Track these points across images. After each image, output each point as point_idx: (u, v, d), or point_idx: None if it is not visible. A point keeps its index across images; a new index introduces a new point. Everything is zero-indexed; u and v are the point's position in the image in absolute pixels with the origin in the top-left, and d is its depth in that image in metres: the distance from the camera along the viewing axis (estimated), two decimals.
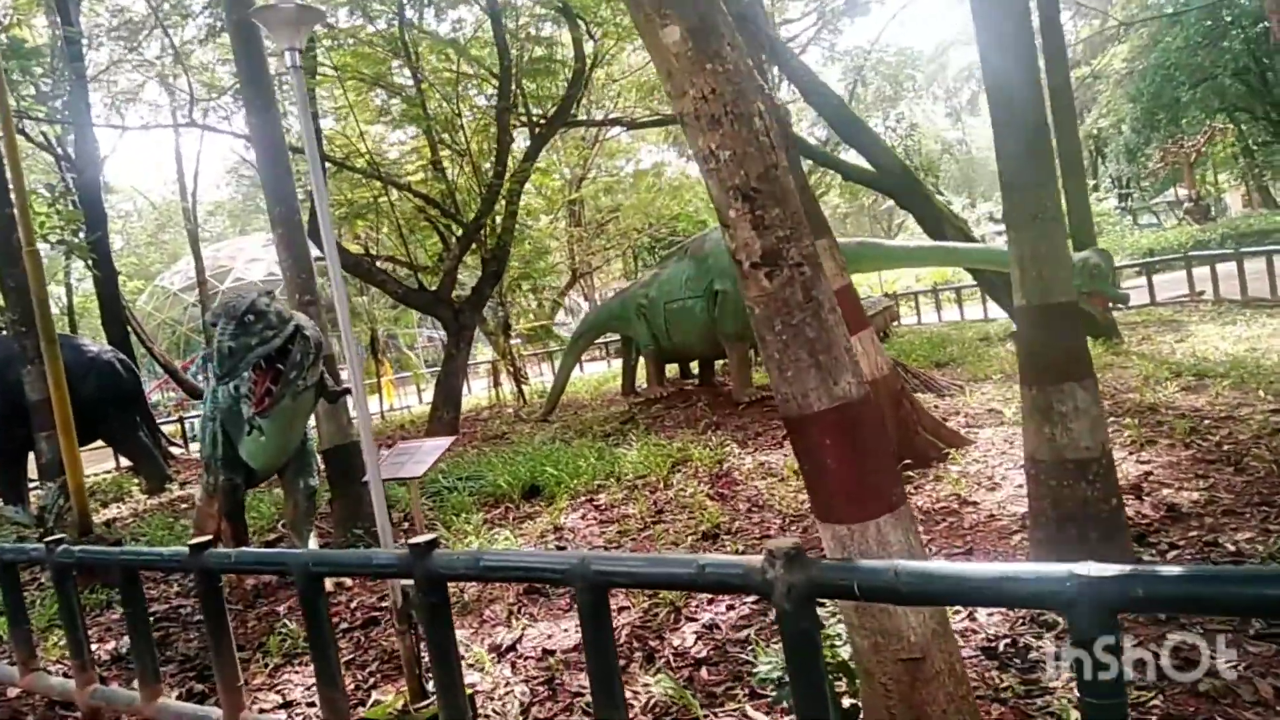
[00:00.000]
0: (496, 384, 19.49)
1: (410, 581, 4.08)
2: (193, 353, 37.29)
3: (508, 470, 9.10)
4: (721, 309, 10.52)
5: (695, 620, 4.67)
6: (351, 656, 5.09)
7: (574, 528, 7.10)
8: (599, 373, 21.35)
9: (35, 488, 14.92)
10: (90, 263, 15.06)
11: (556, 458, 9.33)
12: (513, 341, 19.67)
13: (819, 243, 7.11)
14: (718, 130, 2.87)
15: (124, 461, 16.57)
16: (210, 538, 4.01)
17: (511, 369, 18.39)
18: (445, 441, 5.55)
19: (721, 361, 12.62)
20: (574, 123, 16.61)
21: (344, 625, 5.62)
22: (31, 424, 11.37)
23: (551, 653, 4.59)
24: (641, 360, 16.17)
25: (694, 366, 14.16)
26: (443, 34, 15.74)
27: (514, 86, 13.12)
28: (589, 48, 14.65)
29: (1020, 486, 6.22)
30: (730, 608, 4.72)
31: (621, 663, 4.31)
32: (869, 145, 14.27)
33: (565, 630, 4.86)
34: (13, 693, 5.42)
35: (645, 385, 16.26)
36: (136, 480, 14.13)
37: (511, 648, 4.74)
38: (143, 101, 18.32)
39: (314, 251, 8.78)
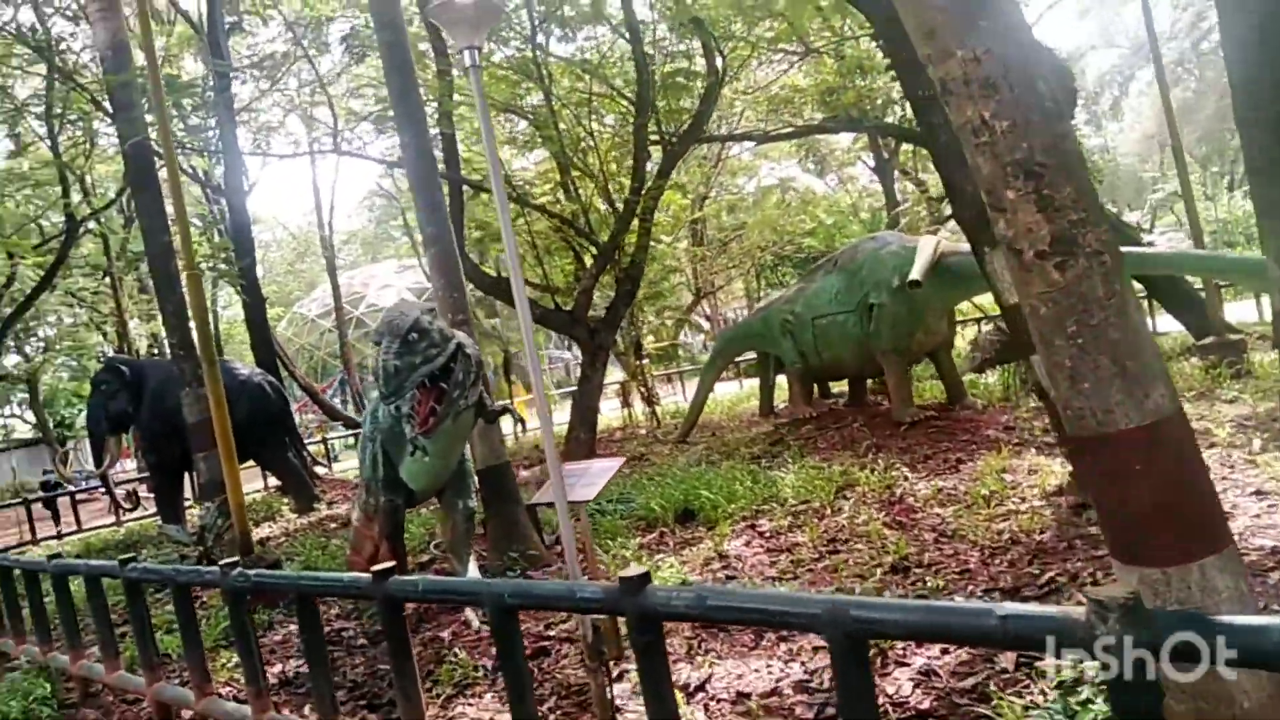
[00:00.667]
0: (627, 404, 19.28)
1: (601, 616, 3.80)
2: (330, 376, 38.70)
3: (659, 493, 8.75)
4: (877, 323, 9.96)
5: (905, 665, 4.19)
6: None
7: (739, 555, 6.67)
8: (730, 393, 20.85)
9: (189, 507, 15.50)
10: (240, 288, 15.56)
11: (707, 480, 8.93)
12: (642, 361, 19.43)
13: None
14: (993, 97, 2.43)
15: (272, 482, 17.07)
16: (393, 564, 3.78)
17: (643, 389, 18.14)
18: (614, 463, 5.23)
19: (871, 380, 12.04)
20: (706, 138, 16.31)
21: None
22: (190, 445, 11.76)
23: (747, 695, 4.18)
24: (780, 379, 15.73)
25: (833, 385, 13.58)
26: (571, 54, 15.73)
27: (649, 103, 12.88)
28: (718, 63, 14.37)
29: (1257, 516, 5.51)
30: (945, 651, 4.21)
31: (832, 711, 3.87)
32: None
33: (756, 670, 4.44)
34: (185, 713, 5.37)
35: (784, 405, 15.77)
36: (285, 500, 14.44)
37: (700, 688, 4.35)
38: (284, 132, 18.95)
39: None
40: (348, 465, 19.89)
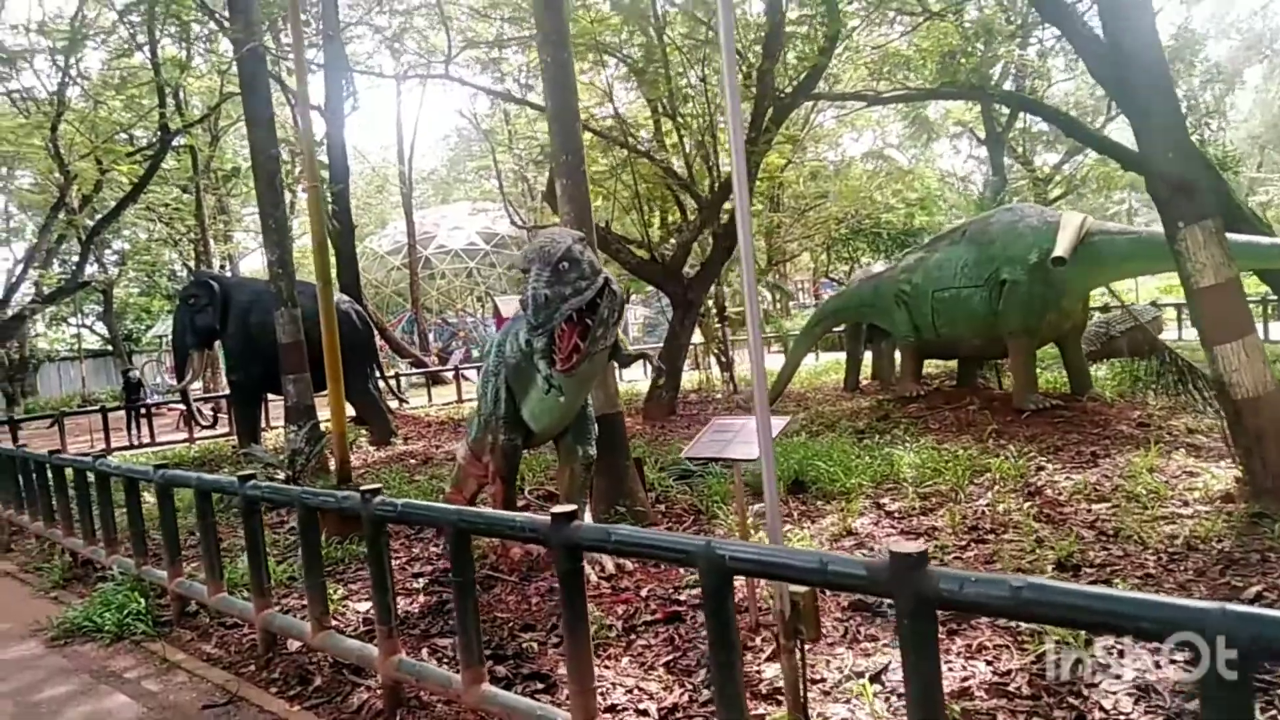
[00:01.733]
0: (705, 366, 18.86)
1: (798, 589, 3.38)
2: (397, 314, 38.75)
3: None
4: (1008, 300, 9.34)
5: (1115, 674, 3.72)
6: (671, 657, 4.42)
7: (869, 534, 6.23)
8: (807, 365, 20.25)
9: (269, 429, 15.42)
10: (332, 213, 15.33)
11: (815, 452, 8.48)
12: (724, 324, 18.94)
13: (1204, 225, 5.93)
14: None
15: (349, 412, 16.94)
16: (573, 508, 3.38)
17: (722, 353, 17.67)
18: (780, 422, 4.78)
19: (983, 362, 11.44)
20: (819, 95, 15.60)
21: (645, 618, 4.98)
22: (276, 366, 11.59)
23: None
24: (868, 356, 15.14)
25: (926, 366, 12.98)
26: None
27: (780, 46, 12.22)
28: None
29: None
30: (1157, 664, 3.74)
31: None
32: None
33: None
34: (293, 645, 5.10)
35: (868, 381, 15.18)
36: (363, 431, 14.28)
37: (876, 678, 3.93)
38: (390, 52, 18.44)
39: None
40: (416, 403, 19.78)
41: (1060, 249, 8.65)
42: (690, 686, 4.07)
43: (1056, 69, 19.52)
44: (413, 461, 11.85)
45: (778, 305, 34.26)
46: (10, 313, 21.83)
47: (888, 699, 3.74)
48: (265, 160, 10.82)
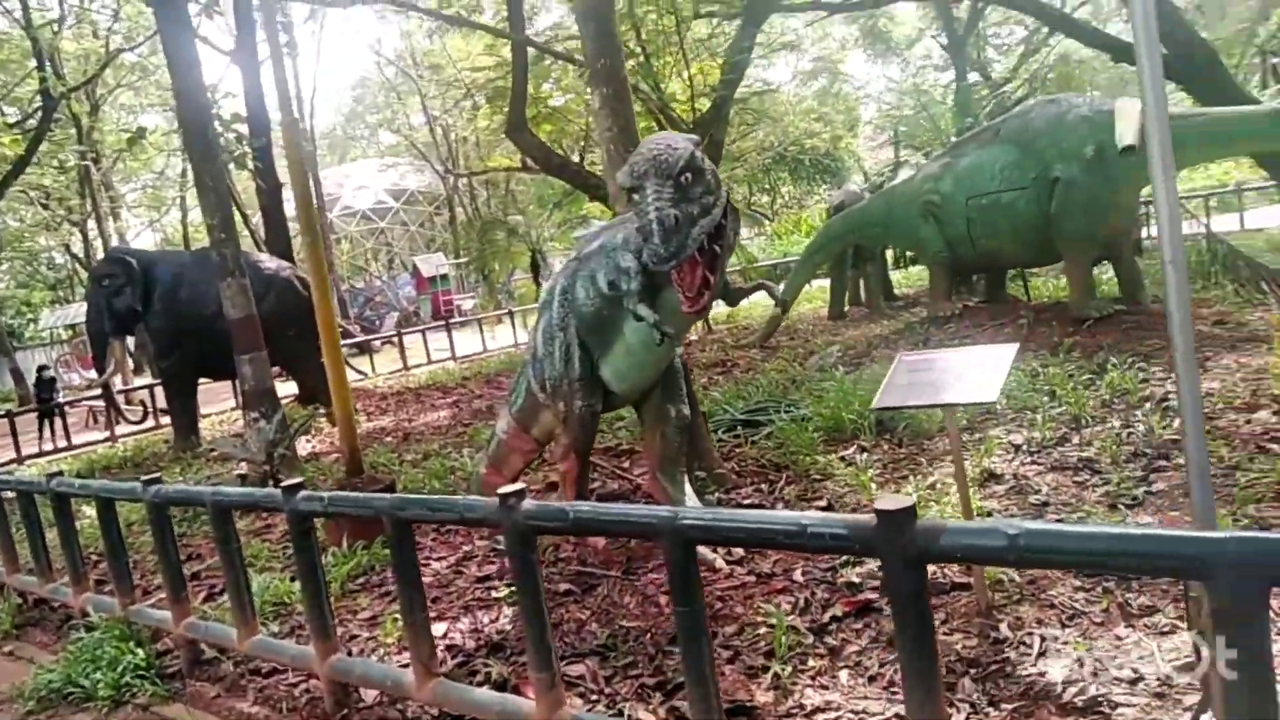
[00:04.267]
0: None
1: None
2: None
3: (821, 401, 7.31)
4: (1064, 201, 8.43)
5: None
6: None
7: (1020, 475, 5.28)
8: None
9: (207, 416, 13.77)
10: (255, 171, 13.59)
11: (875, 384, 7.46)
12: None
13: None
14: None
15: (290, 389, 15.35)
16: (520, 487, 2.76)
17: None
18: (1005, 352, 3.72)
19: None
20: (786, 8, 14.42)
21: (831, 613, 3.91)
22: (219, 346, 10.15)
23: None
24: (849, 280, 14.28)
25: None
26: None
27: None
28: None
29: None
30: None
31: None
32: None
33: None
34: (370, 695, 3.90)
35: (853, 308, 14.36)
36: (320, 410, 12.78)
37: None
38: None
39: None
40: (354, 377, 18.18)
41: (1128, 136, 7.76)
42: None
43: None
44: (390, 440, 10.50)
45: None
46: None
47: None
48: (195, 110, 9.20)
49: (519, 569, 2.99)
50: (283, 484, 3.81)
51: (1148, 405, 6.06)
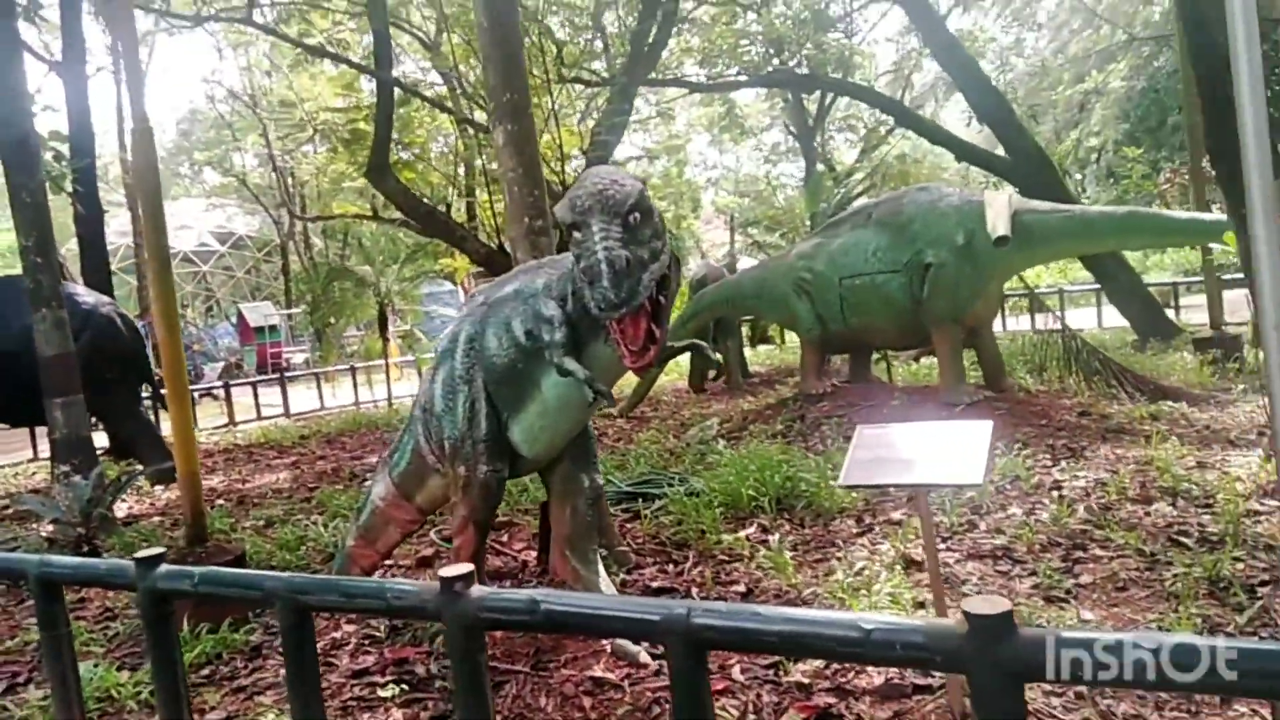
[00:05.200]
0: None
1: None
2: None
3: (726, 473, 7.01)
4: (934, 286, 8.64)
5: None
6: None
7: (942, 561, 5.11)
8: None
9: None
10: (74, 195, 12.22)
11: (765, 462, 7.22)
12: None
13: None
14: None
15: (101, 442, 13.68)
16: (469, 569, 2.93)
17: None
18: (980, 429, 3.50)
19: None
20: (654, 82, 14.53)
21: None
22: (27, 387, 8.93)
23: None
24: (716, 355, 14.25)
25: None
26: None
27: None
28: None
29: None
30: None
31: None
32: (994, 112, 12.80)
33: None
34: None
35: (714, 381, 14.36)
36: (137, 468, 11.36)
37: None
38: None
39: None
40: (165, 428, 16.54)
41: (1001, 227, 8.08)
42: None
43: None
44: (223, 503, 9.39)
45: None
46: None
47: None
48: (12, 114, 8.13)
49: (465, 674, 2.44)
50: (139, 555, 3.08)
51: (1042, 492, 6.12)
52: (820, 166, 20.66)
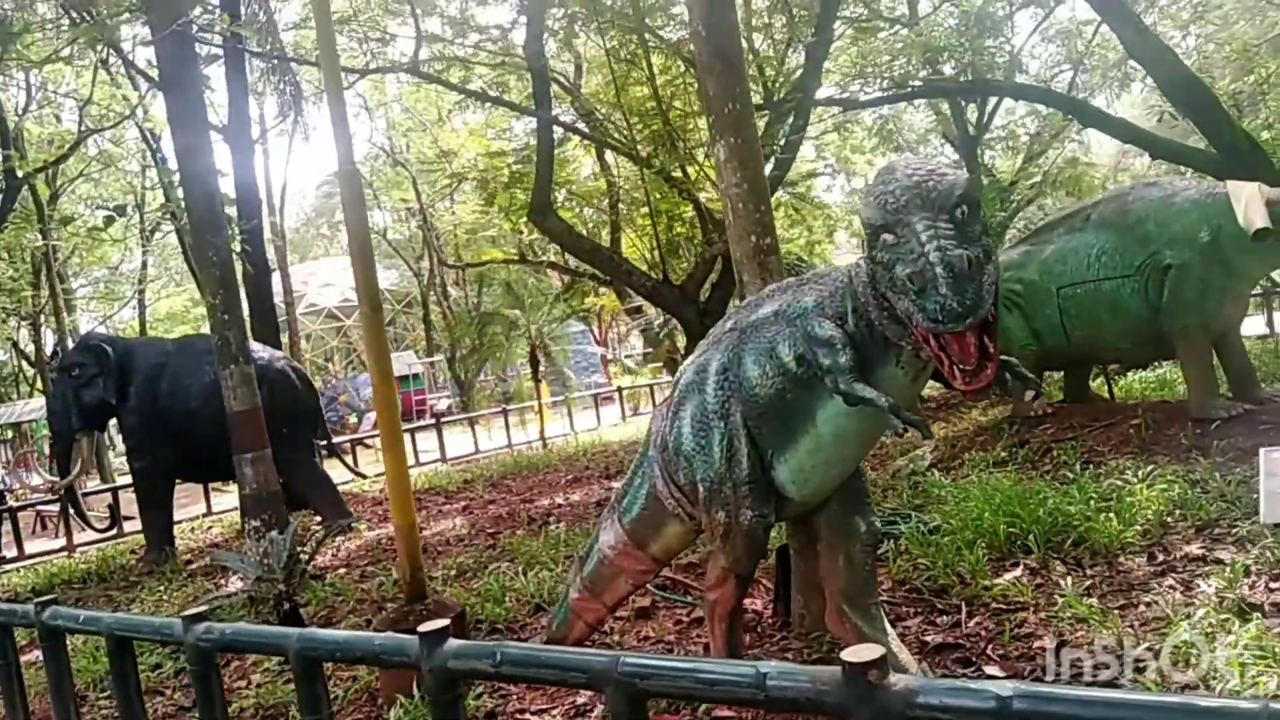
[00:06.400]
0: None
1: None
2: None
3: (973, 510, 6.20)
4: (1176, 289, 7.66)
5: None
6: None
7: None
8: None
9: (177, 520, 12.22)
10: (243, 255, 12.50)
11: (1010, 495, 6.37)
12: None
13: None
14: None
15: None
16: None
17: None
18: None
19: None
20: (820, 101, 13.94)
21: None
22: (219, 444, 8.96)
23: None
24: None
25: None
26: None
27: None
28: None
29: None
30: None
31: None
32: (1195, 103, 11.54)
33: None
34: None
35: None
36: (319, 521, 11.34)
37: None
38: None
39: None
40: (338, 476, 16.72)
41: (1258, 219, 7.08)
42: None
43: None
44: (387, 554, 9.15)
45: None
46: None
47: None
48: (200, 176, 8.17)
49: None
50: (423, 630, 2.60)
51: None
52: (983, 179, 19.61)
